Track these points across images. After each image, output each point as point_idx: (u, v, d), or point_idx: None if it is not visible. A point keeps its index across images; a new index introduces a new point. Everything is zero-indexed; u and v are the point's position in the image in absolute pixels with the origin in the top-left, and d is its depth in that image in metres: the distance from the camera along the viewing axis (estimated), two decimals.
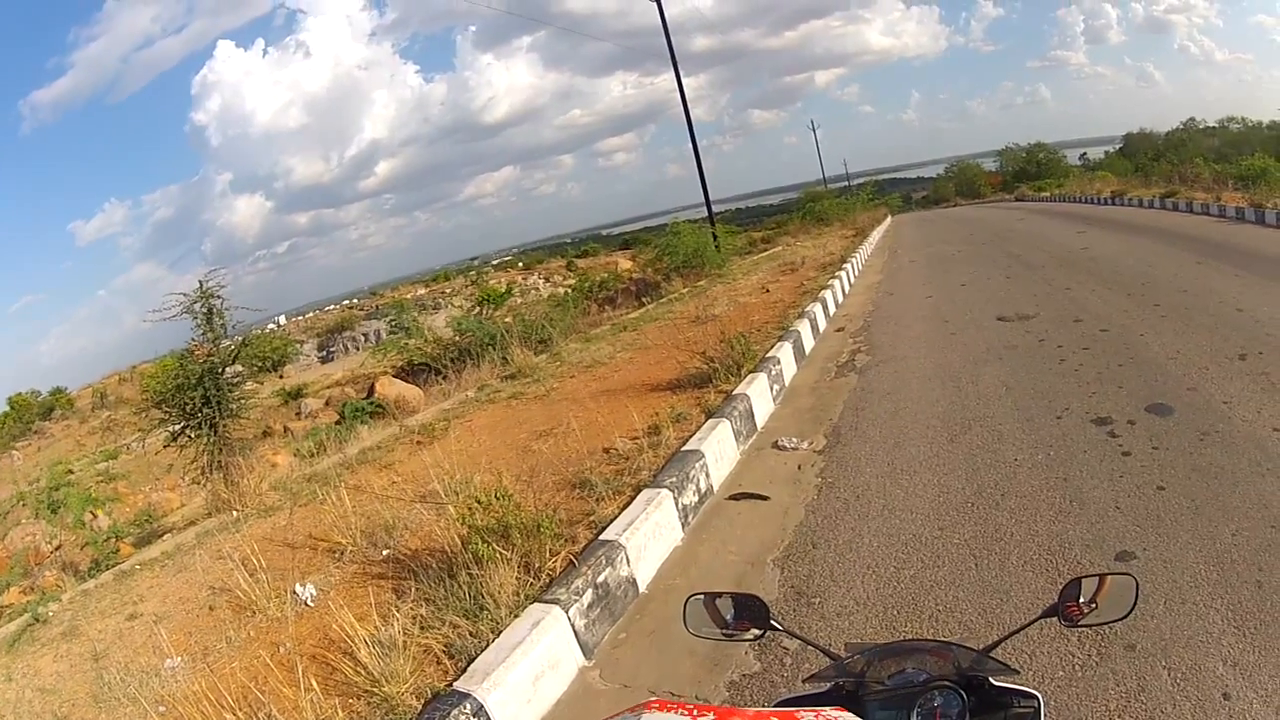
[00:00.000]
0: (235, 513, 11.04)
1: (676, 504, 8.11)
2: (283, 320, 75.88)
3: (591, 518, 7.74)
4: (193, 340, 12.97)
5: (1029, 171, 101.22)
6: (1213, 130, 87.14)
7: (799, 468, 9.54)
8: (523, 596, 6.26)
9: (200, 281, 12.97)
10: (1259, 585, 5.48)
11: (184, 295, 12.81)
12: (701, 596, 2.92)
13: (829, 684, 2.52)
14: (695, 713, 1.57)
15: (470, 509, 7.14)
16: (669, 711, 1.56)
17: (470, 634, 5.86)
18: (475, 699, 5.02)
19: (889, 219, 69.37)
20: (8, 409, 59.72)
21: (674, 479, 8.27)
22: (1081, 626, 2.65)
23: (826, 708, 1.97)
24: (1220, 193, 39.80)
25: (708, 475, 9.07)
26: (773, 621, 2.84)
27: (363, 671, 5.53)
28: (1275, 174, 41.36)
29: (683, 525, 8.18)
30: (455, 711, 4.90)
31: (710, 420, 10.12)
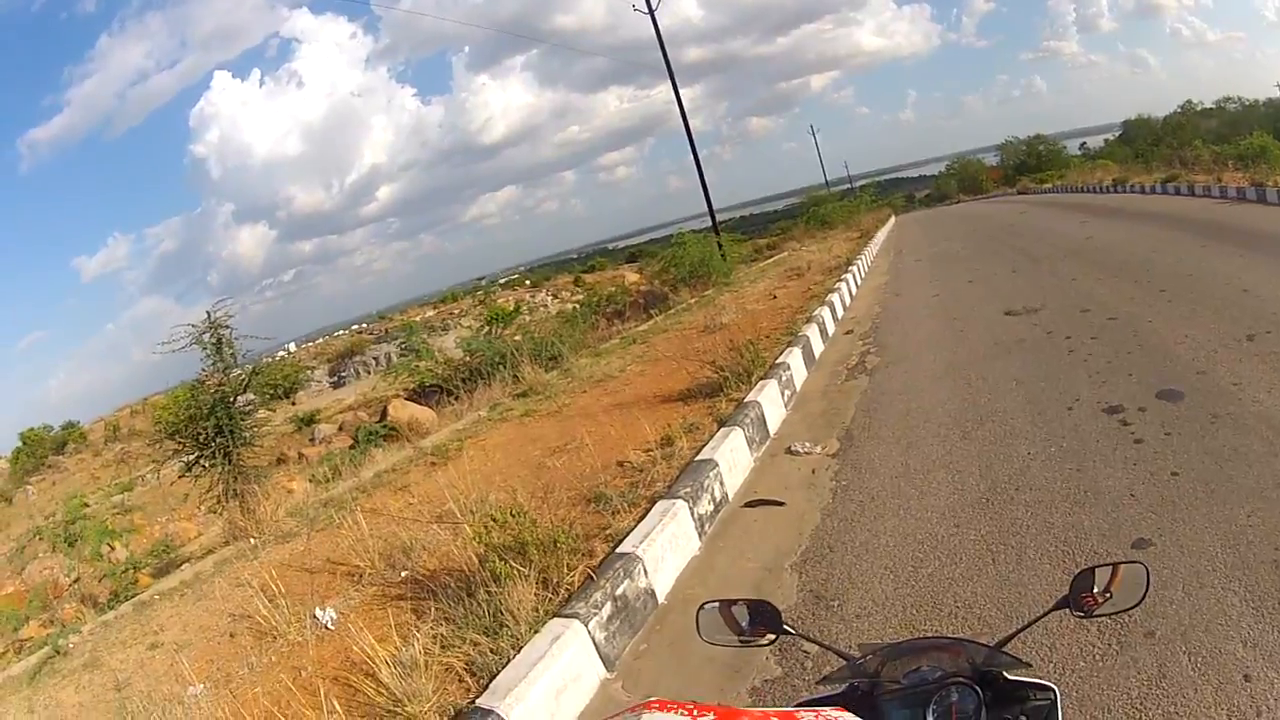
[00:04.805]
0: (253, 540, 11.05)
1: (692, 514, 8.07)
2: (293, 347, 75.74)
3: (608, 531, 7.71)
4: (203, 370, 13.01)
5: (1030, 164, 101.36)
6: (1210, 112, 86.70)
7: (813, 472, 9.49)
8: (542, 612, 6.25)
9: (208, 312, 13.06)
10: (1275, 565, 5.47)
11: (192, 326, 12.87)
12: (715, 604, 2.87)
13: (844, 685, 2.50)
14: (695, 713, 1.57)
15: (486, 528, 7.15)
16: (669, 711, 1.57)
17: (491, 651, 5.86)
18: (498, 715, 5.02)
19: (893, 219, 69.14)
20: (20, 444, 59.41)
21: (689, 489, 8.24)
22: (1096, 617, 2.64)
23: (827, 708, 1.98)
24: (1220, 174, 39.99)
25: (722, 484, 9.02)
26: (785, 625, 2.79)
27: (385, 692, 5.53)
28: (1274, 152, 41.37)
29: (699, 535, 8.13)
30: None
31: (722, 429, 10.05)
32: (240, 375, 13.43)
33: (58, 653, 9.09)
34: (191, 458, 13.15)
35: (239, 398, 13.27)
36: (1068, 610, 2.62)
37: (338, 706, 5.40)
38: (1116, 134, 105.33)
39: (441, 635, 6.24)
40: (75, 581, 18.62)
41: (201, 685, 7.03)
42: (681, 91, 43.00)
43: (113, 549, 19.94)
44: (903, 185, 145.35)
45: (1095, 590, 2.60)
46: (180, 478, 14.22)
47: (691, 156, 43.87)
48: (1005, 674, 2.38)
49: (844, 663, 2.61)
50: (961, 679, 2.26)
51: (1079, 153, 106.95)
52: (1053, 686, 2.37)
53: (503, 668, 5.59)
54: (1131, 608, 2.60)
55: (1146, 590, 2.57)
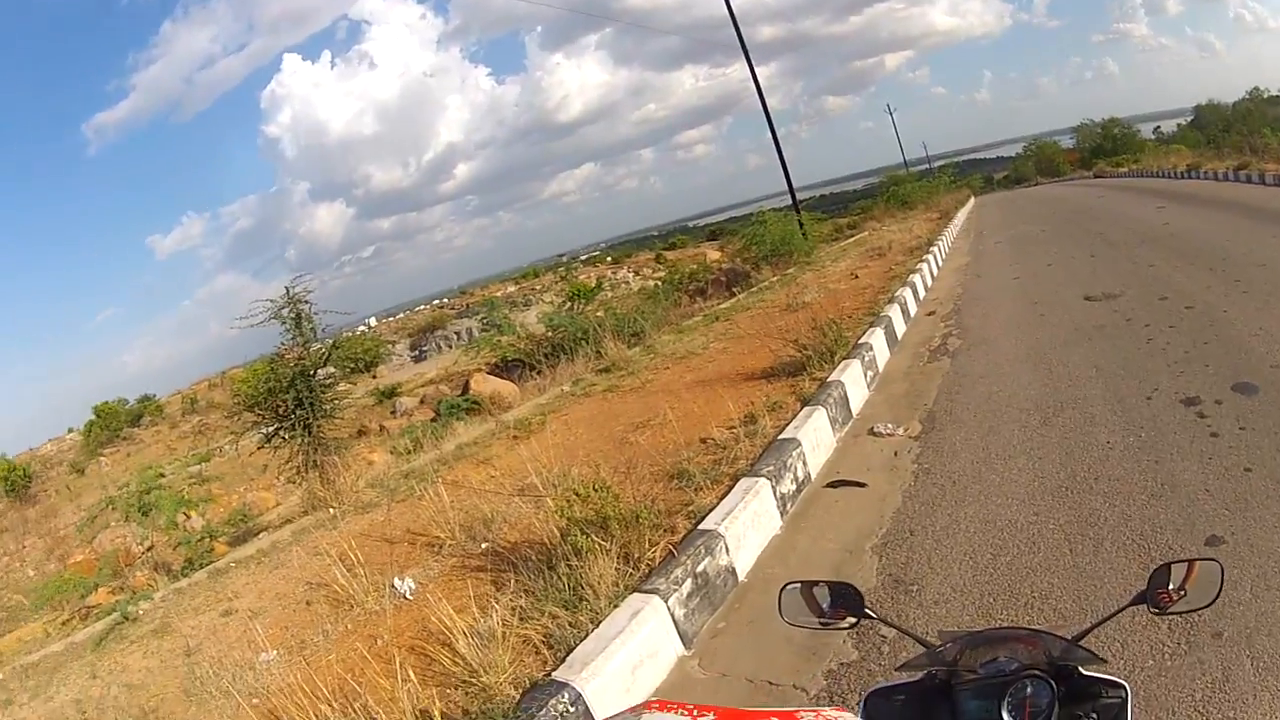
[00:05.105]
0: (332, 510, 11.20)
1: (774, 492, 8.09)
2: (373, 322, 76.67)
3: (690, 508, 7.74)
4: (282, 344, 13.20)
5: (1105, 148, 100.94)
6: (1277, 99, 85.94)
7: (895, 454, 9.51)
8: (622, 587, 6.30)
9: (287, 288, 13.22)
10: None
11: (271, 301, 13.07)
12: (797, 585, 2.88)
13: (921, 673, 2.53)
14: (696, 713, 1.61)
15: (569, 501, 7.18)
16: (669, 711, 1.61)
17: (569, 624, 5.90)
18: (574, 688, 5.08)
19: (972, 200, 68.93)
20: (94, 417, 60.25)
21: (771, 467, 8.26)
22: (1170, 614, 2.64)
23: (826, 708, 2.02)
24: None
25: (805, 463, 9.03)
26: (867, 609, 2.80)
27: (461, 662, 5.59)
28: None
29: (781, 514, 8.15)
30: (553, 701, 4.95)
31: (806, 408, 10.08)
32: (320, 349, 13.60)
33: (126, 619, 9.20)
34: (271, 429, 13.35)
35: (319, 371, 13.41)
36: (1144, 606, 2.63)
37: (412, 675, 5.42)
38: (1188, 119, 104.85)
39: (520, 607, 6.29)
40: (148, 549, 18.84)
41: (275, 652, 7.14)
42: (756, 70, 42.74)
43: (189, 518, 20.14)
44: (980, 166, 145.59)
45: (1171, 587, 2.61)
46: (259, 449, 14.35)
47: (770, 135, 43.71)
48: (1080, 669, 2.39)
49: (922, 649, 2.64)
50: (1037, 672, 2.27)
51: (1152, 137, 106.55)
52: (1125, 684, 2.38)
53: (580, 641, 5.64)
54: (1205, 607, 2.60)
55: (1220, 589, 2.57)
